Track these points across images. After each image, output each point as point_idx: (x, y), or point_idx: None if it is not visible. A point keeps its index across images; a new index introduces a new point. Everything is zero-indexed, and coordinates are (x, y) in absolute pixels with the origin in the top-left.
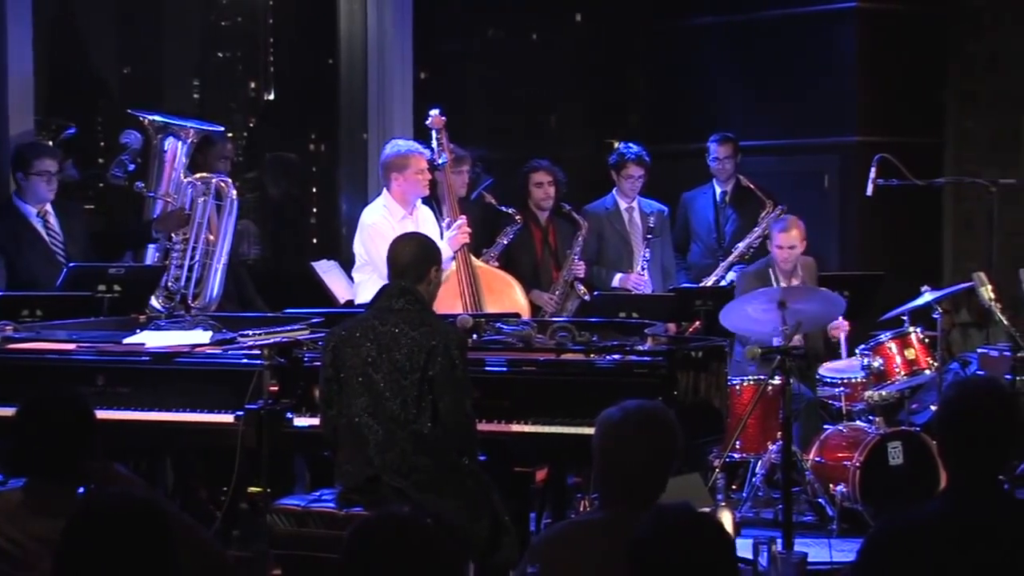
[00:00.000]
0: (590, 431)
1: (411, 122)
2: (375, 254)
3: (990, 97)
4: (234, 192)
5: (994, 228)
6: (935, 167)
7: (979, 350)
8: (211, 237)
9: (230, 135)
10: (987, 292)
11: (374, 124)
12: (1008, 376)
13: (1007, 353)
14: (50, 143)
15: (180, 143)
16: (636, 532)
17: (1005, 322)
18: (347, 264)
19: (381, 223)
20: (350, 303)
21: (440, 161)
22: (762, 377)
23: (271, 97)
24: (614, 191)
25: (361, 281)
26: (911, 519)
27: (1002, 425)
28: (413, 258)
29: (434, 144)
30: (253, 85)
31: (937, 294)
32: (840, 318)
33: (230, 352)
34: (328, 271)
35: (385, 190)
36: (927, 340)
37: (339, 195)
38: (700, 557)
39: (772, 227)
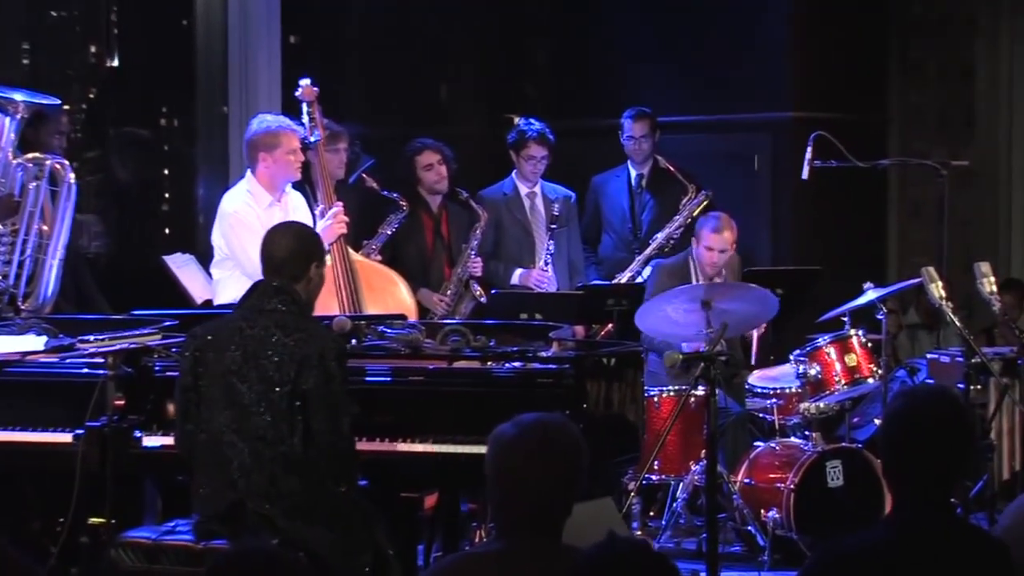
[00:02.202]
0: (486, 450)
1: (279, 94)
2: (237, 247)
3: (939, 67)
4: (72, 175)
5: (945, 216)
6: (879, 147)
7: (929, 355)
8: (45, 228)
9: (67, 108)
10: (937, 290)
11: (236, 96)
12: (961, 385)
13: (959, 359)
14: None
15: (7, 118)
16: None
17: (957, 324)
18: (205, 258)
19: (244, 211)
20: (208, 303)
21: (312, 139)
22: (683, 387)
23: (115, 64)
24: (513, 174)
25: (221, 278)
26: (852, 548)
27: (954, 441)
28: (290, 253)
29: (305, 119)
30: (94, 49)
31: (881, 292)
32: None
33: (68, 361)
34: (183, 266)
35: (249, 173)
36: (870, 344)
37: (195, 178)
38: None
39: (701, 224)
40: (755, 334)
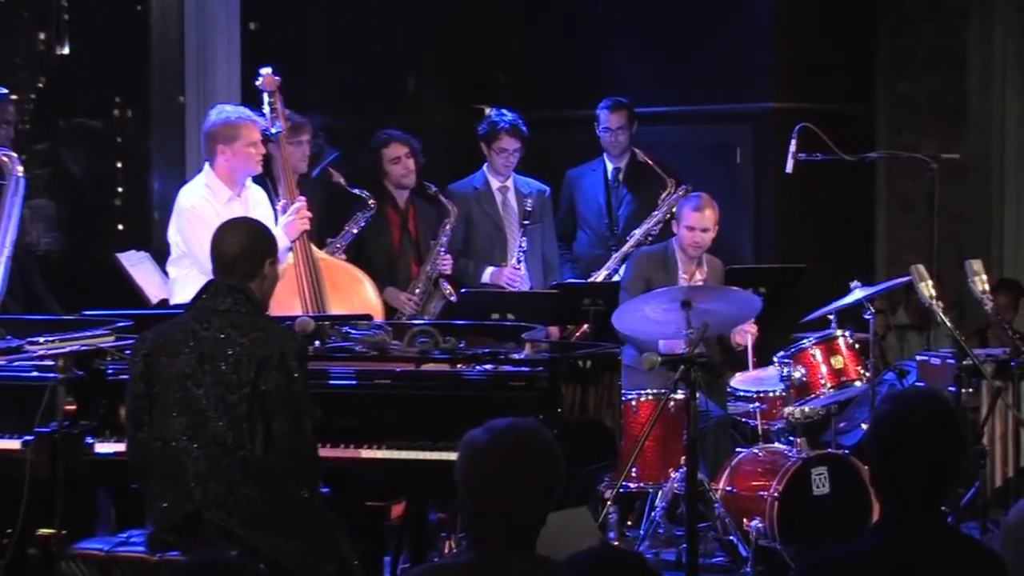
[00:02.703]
0: (456, 457)
1: (238, 83)
2: (194, 244)
3: (930, 55)
4: (20, 168)
5: (936, 212)
6: (866, 139)
7: (918, 357)
8: None
9: (14, 98)
10: (927, 288)
11: (193, 86)
12: (952, 388)
13: (951, 361)
14: None
15: None
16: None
17: (948, 324)
18: (160, 256)
19: (202, 206)
20: (164, 303)
21: (273, 131)
22: (662, 391)
23: (65, 51)
24: (484, 167)
25: (177, 276)
26: (838, 558)
27: (945, 446)
28: (243, 250)
29: (266, 110)
30: (43, 36)
31: (869, 291)
32: (748, 324)
33: (15, 364)
34: (137, 264)
35: (207, 166)
36: (857, 346)
37: (151, 172)
38: None
39: (681, 204)
40: (748, 340)
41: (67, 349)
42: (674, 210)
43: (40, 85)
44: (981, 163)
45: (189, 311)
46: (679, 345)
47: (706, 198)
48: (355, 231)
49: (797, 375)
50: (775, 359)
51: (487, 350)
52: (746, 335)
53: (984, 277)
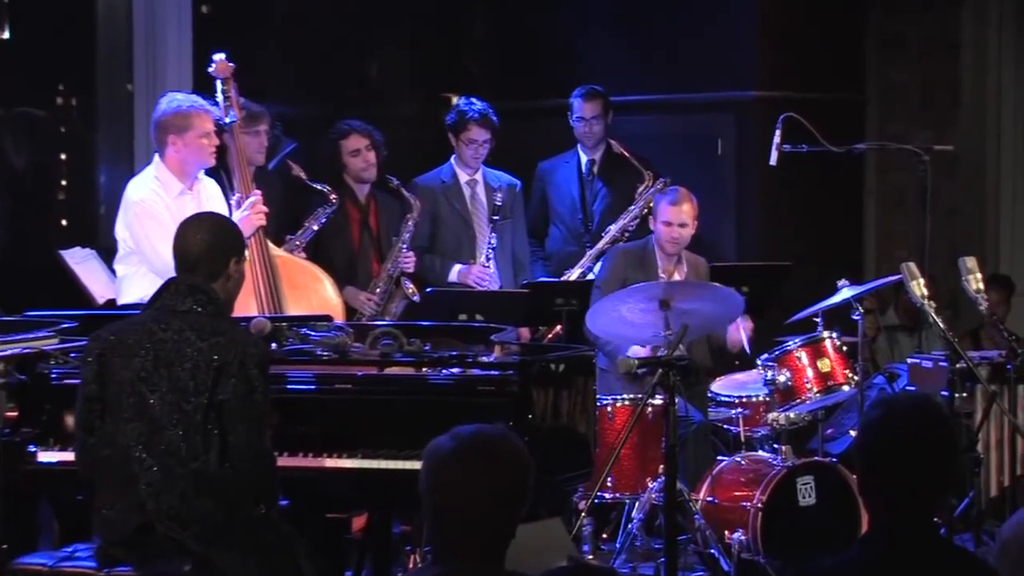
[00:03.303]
0: (420, 466)
1: (190, 70)
2: (143, 240)
3: (922, 42)
4: None
5: (928, 207)
6: (855, 129)
7: (910, 360)
8: None
9: None
10: (919, 287)
11: (142, 72)
12: (944, 393)
13: (943, 364)
14: None
15: None
16: None
17: (941, 325)
18: (107, 253)
19: (152, 200)
20: (111, 303)
21: (227, 120)
22: (639, 396)
23: (5, 36)
24: (452, 159)
25: (125, 275)
26: (825, 572)
27: (937, 454)
28: (207, 247)
29: (220, 98)
30: None
31: (857, 290)
32: (741, 319)
33: None
34: (82, 262)
35: (157, 158)
36: (845, 348)
37: (97, 164)
38: None
39: (657, 199)
40: (744, 337)
41: (8, 352)
42: (651, 204)
43: None
44: (976, 155)
45: (147, 311)
46: (646, 352)
47: (683, 192)
48: (315, 228)
49: (782, 379)
50: (758, 362)
51: (454, 353)
52: (739, 333)
53: (979, 275)
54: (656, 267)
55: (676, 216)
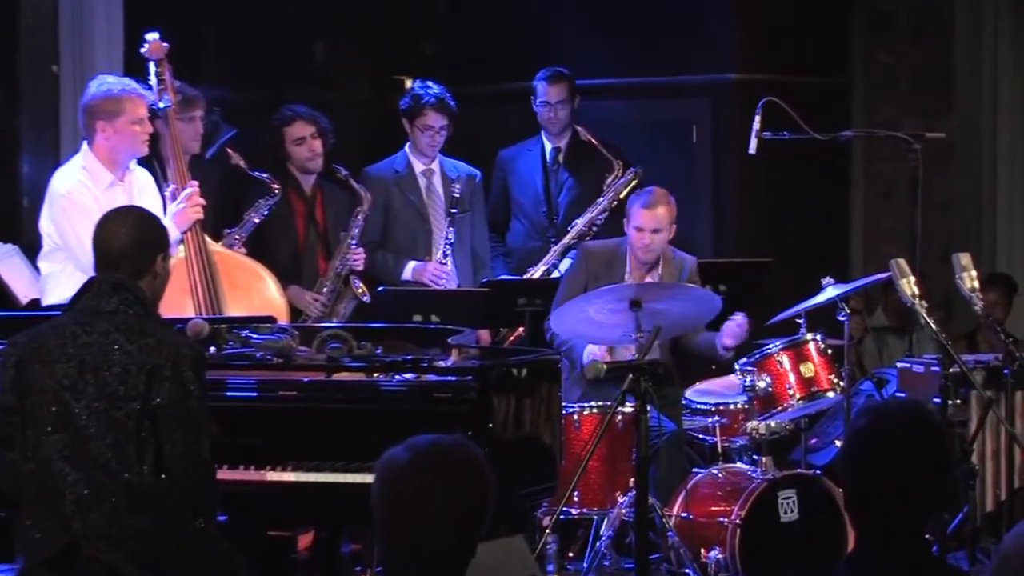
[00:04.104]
0: (372, 479)
1: (121, 51)
2: (70, 235)
3: (913, 21)
4: None
5: (919, 199)
6: (840, 115)
7: (899, 364)
8: None
9: None
10: (909, 286)
11: (68, 54)
12: (937, 399)
13: (936, 368)
14: None
15: None
16: None
17: (933, 326)
18: (31, 249)
19: (79, 192)
20: (35, 303)
21: (161, 105)
22: (608, 403)
23: None
24: (406, 148)
25: (50, 272)
26: None
27: (928, 465)
28: (131, 243)
29: (153, 81)
30: None
31: (843, 289)
32: (737, 316)
33: None
34: (4, 259)
35: (86, 146)
36: (830, 351)
37: (19, 153)
38: None
39: (631, 201)
40: (735, 334)
41: None
42: (623, 196)
43: None
44: (971, 143)
45: (68, 313)
46: (603, 353)
47: (659, 193)
48: (257, 221)
49: (761, 385)
50: (737, 367)
51: (408, 357)
52: (734, 332)
53: (974, 273)
54: (625, 270)
55: (649, 221)
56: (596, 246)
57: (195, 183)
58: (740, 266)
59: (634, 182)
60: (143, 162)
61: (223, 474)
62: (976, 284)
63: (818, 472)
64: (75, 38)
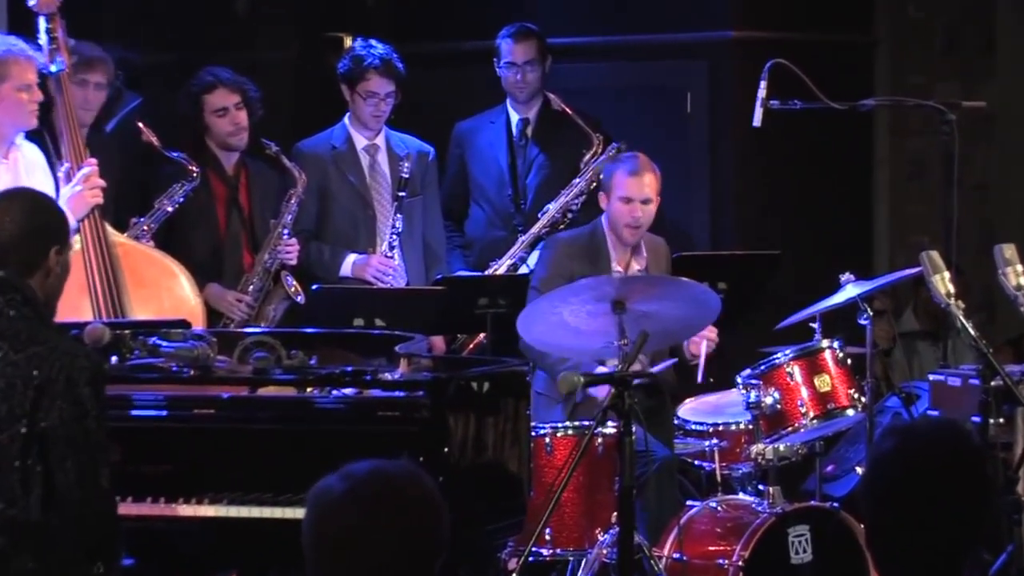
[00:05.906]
0: (303, 514)
1: (4, 4)
2: None
3: None
4: None
5: (955, 180)
6: (862, 81)
7: (932, 376)
8: None
9: None
10: (943, 283)
11: None
12: (976, 418)
13: (974, 381)
14: None
15: None
16: None
17: (971, 331)
18: None
19: None
20: None
21: (53, 68)
22: (586, 424)
23: None
24: (346, 119)
25: None
26: None
27: (965, 496)
28: (20, 233)
29: (43, 40)
30: None
31: (866, 287)
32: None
33: None
34: None
35: None
36: (850, 361)
37: None
38: None
39: (609, 169)
40: (703, 348)
41: None
42: (601, 177)
43: None
44: (1015, 114)
45: None
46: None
47: (644, 159)
48: (169, 208)
49: (769, 401)
50: (739, 380)
51: (348, 369)
52: (701, 342)
53: (1019, 268)
54: (609, 259)
55: (637, 190)
56: (568, 237)
57: (94, 161)
58: (742, 260)
59: None
60: (32, 136)
61: (127, 508)
62: (1023, 281)
63: (835, 505)
64: None
